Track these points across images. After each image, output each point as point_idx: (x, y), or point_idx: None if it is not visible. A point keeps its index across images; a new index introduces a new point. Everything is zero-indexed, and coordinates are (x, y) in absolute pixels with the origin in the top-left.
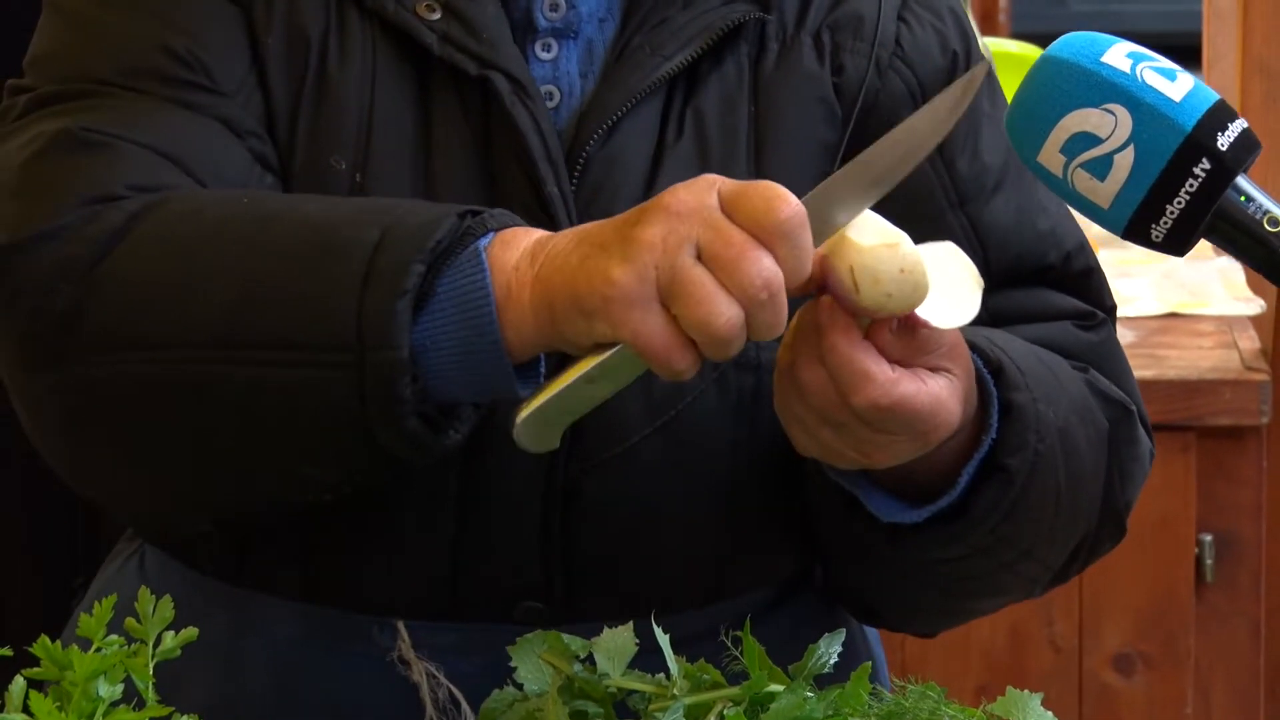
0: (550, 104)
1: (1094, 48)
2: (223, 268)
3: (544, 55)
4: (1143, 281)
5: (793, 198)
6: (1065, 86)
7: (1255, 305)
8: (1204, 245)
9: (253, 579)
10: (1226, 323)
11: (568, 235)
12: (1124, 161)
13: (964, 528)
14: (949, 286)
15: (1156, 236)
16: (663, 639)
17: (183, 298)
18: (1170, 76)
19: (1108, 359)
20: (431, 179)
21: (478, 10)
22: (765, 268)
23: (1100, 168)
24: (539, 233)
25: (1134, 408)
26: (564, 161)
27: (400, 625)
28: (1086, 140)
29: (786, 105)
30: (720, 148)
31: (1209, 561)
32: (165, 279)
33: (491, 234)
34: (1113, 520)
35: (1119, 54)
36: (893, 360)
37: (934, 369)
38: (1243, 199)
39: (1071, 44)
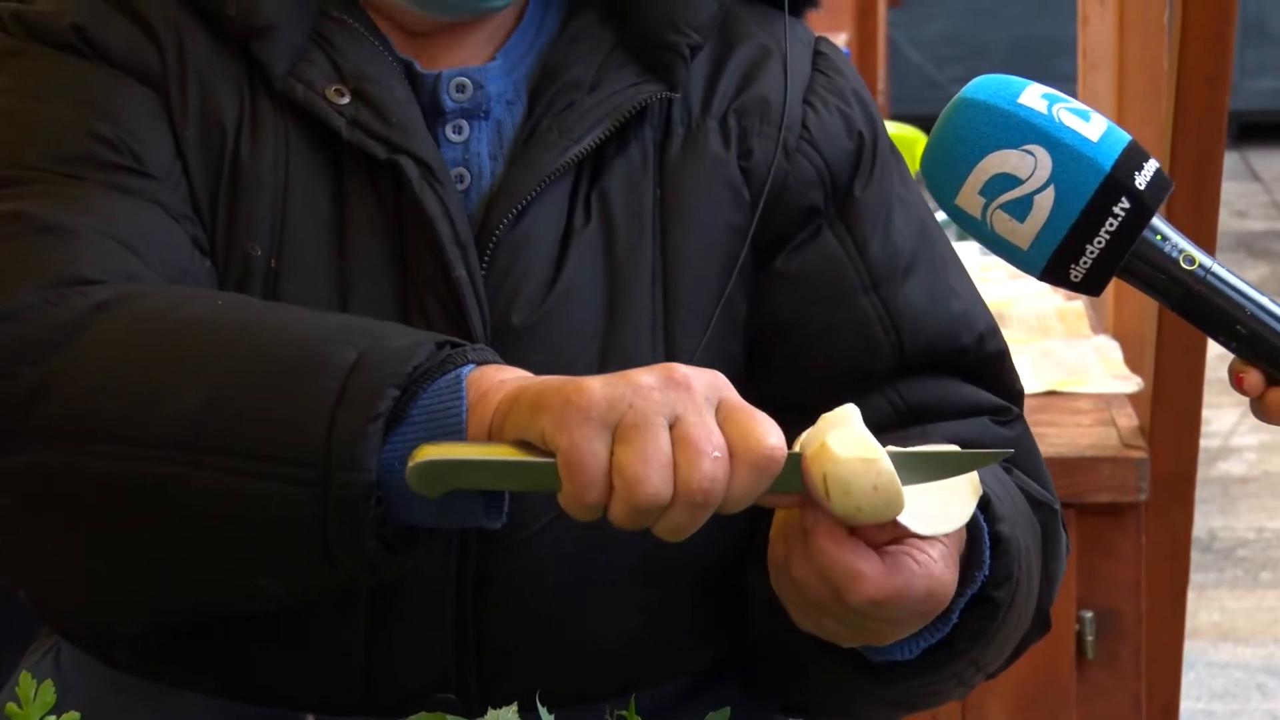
0: (461, 186)
1: (1009, 89)
2: (194, 370)
3: (455, 137)
4: (1022, 360)
5: (782, 442)
6: (984, 128)
7: (1133, 383)
8: (1081, 323)
9: (169, 674)
10: (1105, 400)
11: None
12: (1044, 202)
13: (947, 658)
14: (939, 491)
15: (1075, 276)
16: None
17: (150, 395)
18: (1085, 117)
19: (1026, 454)
20: (345, 264)
21: (386, 94)
22: (718, 478)
23: (1020, 209)
24: (522, 371)
25: (1057, 507)
26: (474, 244)
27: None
28: (1006, 181)
29: (693, 189)
30: (626, 232)
31: (1090, 638)
32: (133, 374)
33: (471, 365)
34: (1041, 619)
35: (1034, 95)
36: (881, 545)
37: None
38: (1159, 238)
39: (986, 86)
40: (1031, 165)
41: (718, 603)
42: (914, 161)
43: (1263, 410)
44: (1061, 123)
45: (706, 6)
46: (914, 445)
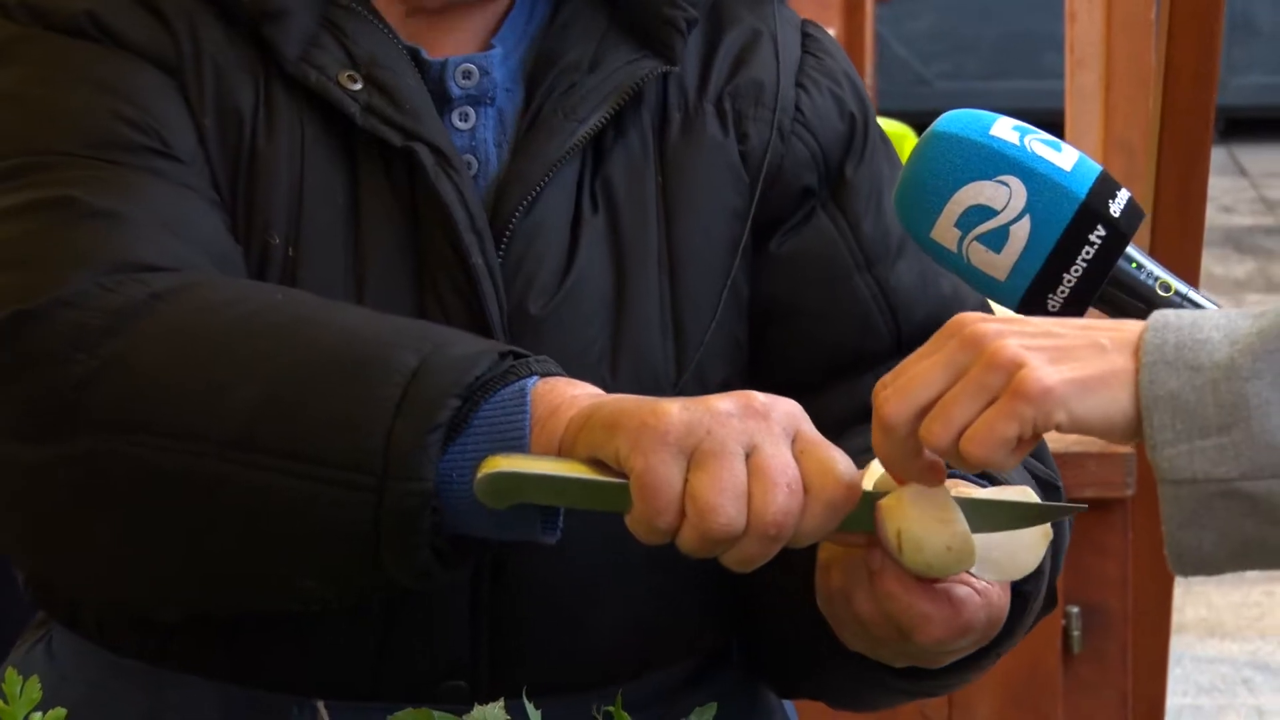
0: (470, 173)
1: (980, 122)
2: (251, 367)
3: (461, 125)
4: None
5: (858, 478)
6: (957, 161)
7: None
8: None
9: (175, 660)
10: None
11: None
12: (1020, 232)
13: (979, 655)
14: (1009, 537)
15: (1053, 306)
16: (534, 715)
17: (207, 390)
18: (1056, 148)
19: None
20: (361, 252)
21: (399, 81)
22: (792, 511)
23: (996, 239)
24: (592, 387)
25: (1059, 484)
26: (490, 232)
27: (320, 705)
28: (981, 213)
29: (694, 174)
30: (631, 219)
31: (1076, 633)
32: (190, 367)
33: (535, 378)
34: (1049, 595)
35: (1005, 127)
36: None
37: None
38: (1134, 266)
39: (957, 119)
40: (1006, 196)
41: (727, 587)
42: (902, 157)
43: None
44: (1034, 153)
45: None
46: (987, 487)
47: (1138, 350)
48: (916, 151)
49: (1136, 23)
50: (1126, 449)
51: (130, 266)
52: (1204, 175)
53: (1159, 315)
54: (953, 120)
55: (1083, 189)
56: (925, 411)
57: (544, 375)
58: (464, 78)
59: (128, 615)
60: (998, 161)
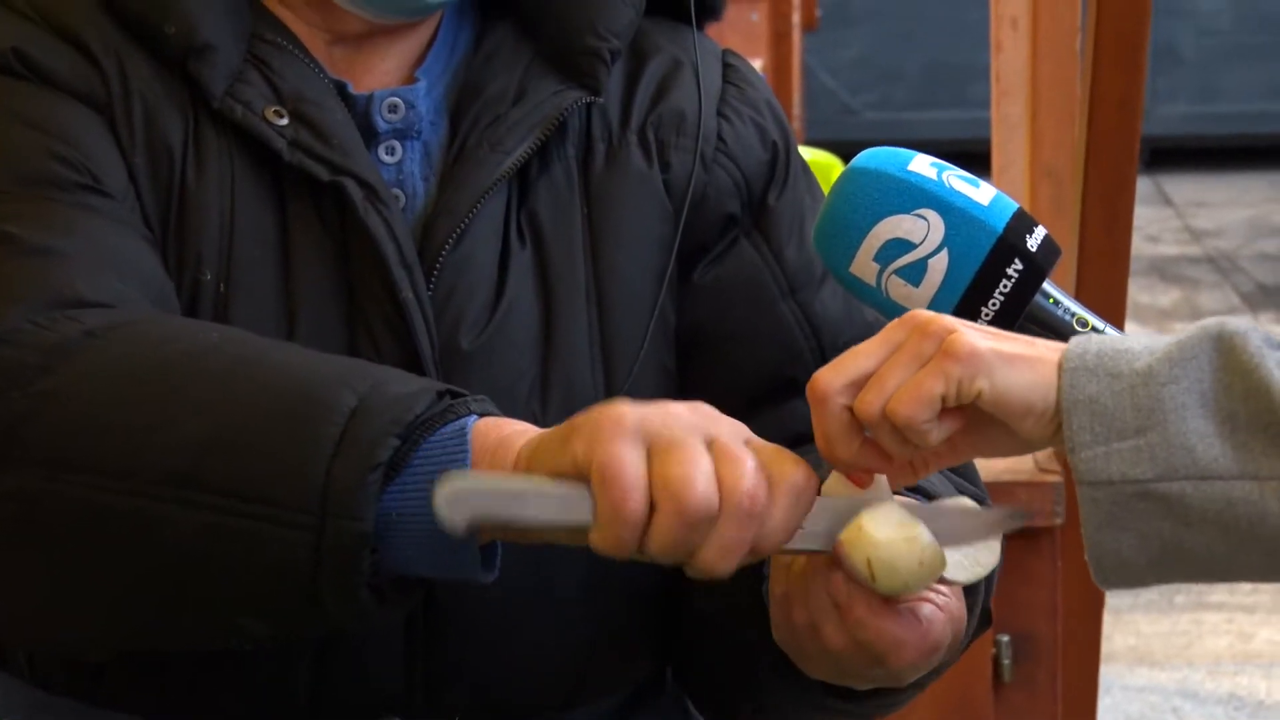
0: (398, 207)
1: (898, 158)
2: (190, 406)
3: (388, 158)
4: None
5: (814, 474)
6: (876, 195)
7: None
8: None
9: (106, 696)
10: None
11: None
12: (938, 265)
13: (921, 678)
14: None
15: None
16: None
17: (144, 428)
18: (974, 184)
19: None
20: (291, 288)
21: (325, 115)
22: (762, 487)
23: (914, 273)
24: (530, 426)
25: (989, 504)
26: (419, 265)
27: None
28: (900, 246)
29: (619, 204)
30: (558, 251)
31: (1006, 662)
32: (126, 405)
33: (474, 417)
34: (985, 613)
35: (923, 163)
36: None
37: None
38: (1051, 301)
39: (876, 156)
40: (925, 229)
41: (660, 616)
42: (827, 187)
43: None
44: (952, 188)
45: (624, 13)
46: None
47: (1062, 359)
48: (835, 188)
49: (1061, 52)
50: (1055, 477)
51: (65, 303)
52: (1130, 204)
53: (1082, 331)
54: (871, 156)
55: (1000, 223)
56: (860, 384)
57: (482, 415)
58: (390, 111)
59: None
60: (916, 195)
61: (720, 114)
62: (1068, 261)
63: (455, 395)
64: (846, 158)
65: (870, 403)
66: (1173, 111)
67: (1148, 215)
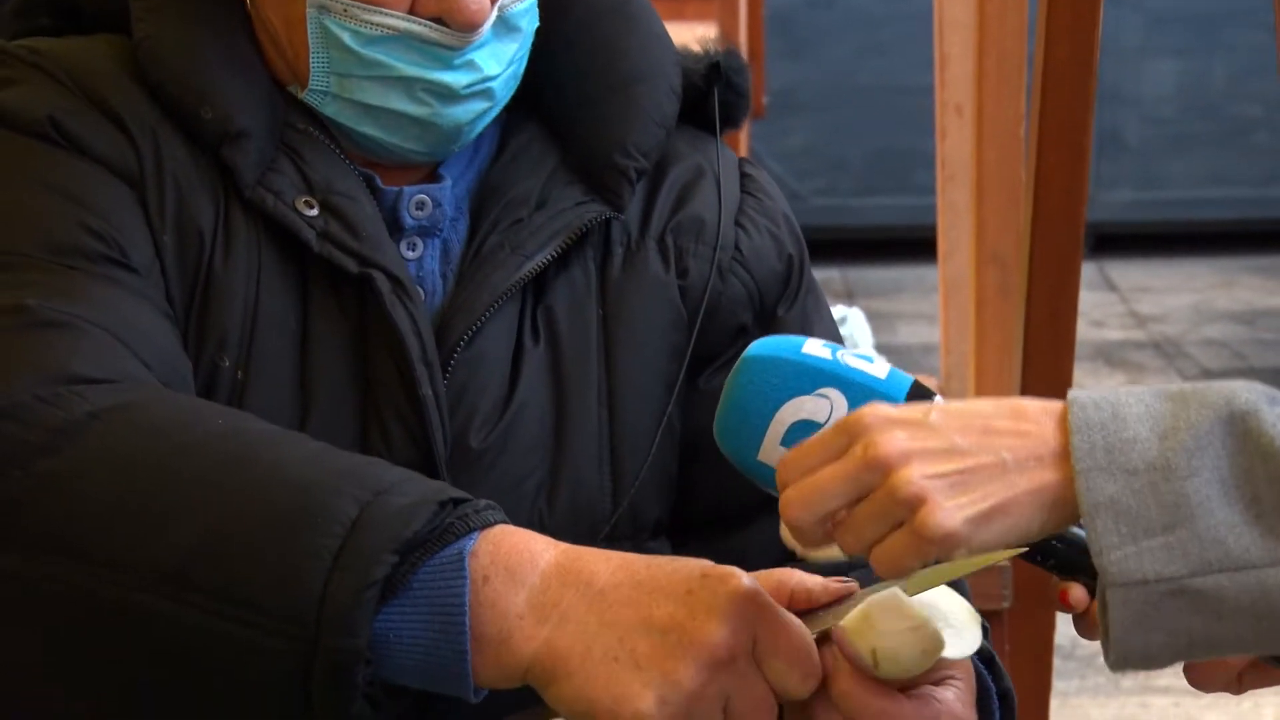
0: (422, 302)
1: (792, 343)
2: (190, 501)
3: (409, 254)
4: None
5: (817, 664)
6: (775, 380)
7: None
8: None
9: None
10: None
11: (585, 594)
12: None
13: None
14: (951, 620)
15: None
16: None
17: (143, 520)
18: (869, 360)
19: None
20: (308, 378)
21: (356, 208)
22: None
23: None
24: (537, 551)
25: (987, 625)
26: (439, 363)
27: None
28: (805, 428)
29: (635, 308)
30: (573, 351)
31: None
32: (127, 495)
33: (476, 534)
34: (1006, 698)
35: (816, 345)
36: (903, 688)
37: (941, 680)
38: None
39: (768, 343)
40: (828, 408)
41: None
42: None
43: (1089, 625)
44: (849, 365)
45: (654, 132)
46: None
47: (1063, 458)
48: (732, 379)
49: (1006, 138)
50: (1003, 563)
51: (72, 379)
52: (1075, 288)
53: (1078, 411)
54: (763, 344)
55: (900, 394)
56: (829, 518)
57: (484, 527)
58: (417, 208)
59: None
60: (814, 376)
61: (738, 224)
62: (1013, 346)
63: (459, 502)
64: None
65: (850, 546)
66: (1117, 197)
67: (1093, 300)
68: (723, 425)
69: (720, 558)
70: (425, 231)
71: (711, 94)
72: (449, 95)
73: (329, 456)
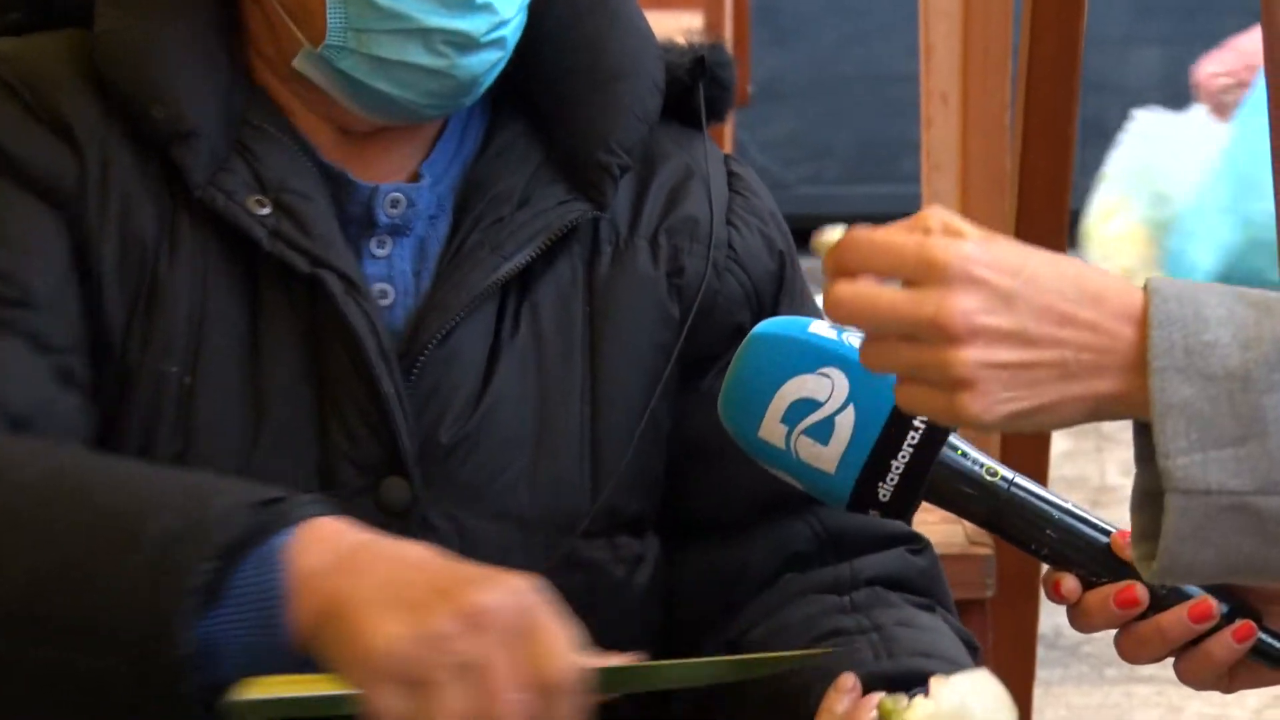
0: (385, 301)
1: (798, 322)
2: (26, 540)
3: (378, 251)
4: None
5: (574, 663)
6: (778, 358)
7: None
8: None
9: None
10: None
11: (387, 560)
12: (846, 421)
13: None
14: (986, 713)
15: (884, 495)
16: None
17: None
18: None
19: (938, 581)
20: (260, 381)
21: (309, 207)
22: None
23: (823, 431)
24: (349, 536)
25: (976, 644)
26: (398, 359)
27: None
28: (806, 406)
29: (621, 306)
30: (556, 346)
31: None
32: None
33: (293, 528)
34: None
35: (822, 325)
36: None
37: None
38: (959, 453)
39: (775, 322)
40: (829, 387)
41: None
42: None
43: (1081, 615)
44: (853, 346)
45: (636, 128)
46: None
47: (1131, 364)
48: (738, 355)
49: (992, 128)
50: (986, 550)
51: None
52: None
53: (1159, 304)
54: (771, 323)
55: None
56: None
57: (303, 520)
58: (391, 206)
59: None
60: (818, 354)
61: (730, 222)
62: None
63: (278, 501)
64: None
65: (872, 363)
66: None
67: None
68: (726, 400)
69: (720, 564)
70: (397, 230)
71: (696, 88)
72: (467, 45)
73: (158, 478)
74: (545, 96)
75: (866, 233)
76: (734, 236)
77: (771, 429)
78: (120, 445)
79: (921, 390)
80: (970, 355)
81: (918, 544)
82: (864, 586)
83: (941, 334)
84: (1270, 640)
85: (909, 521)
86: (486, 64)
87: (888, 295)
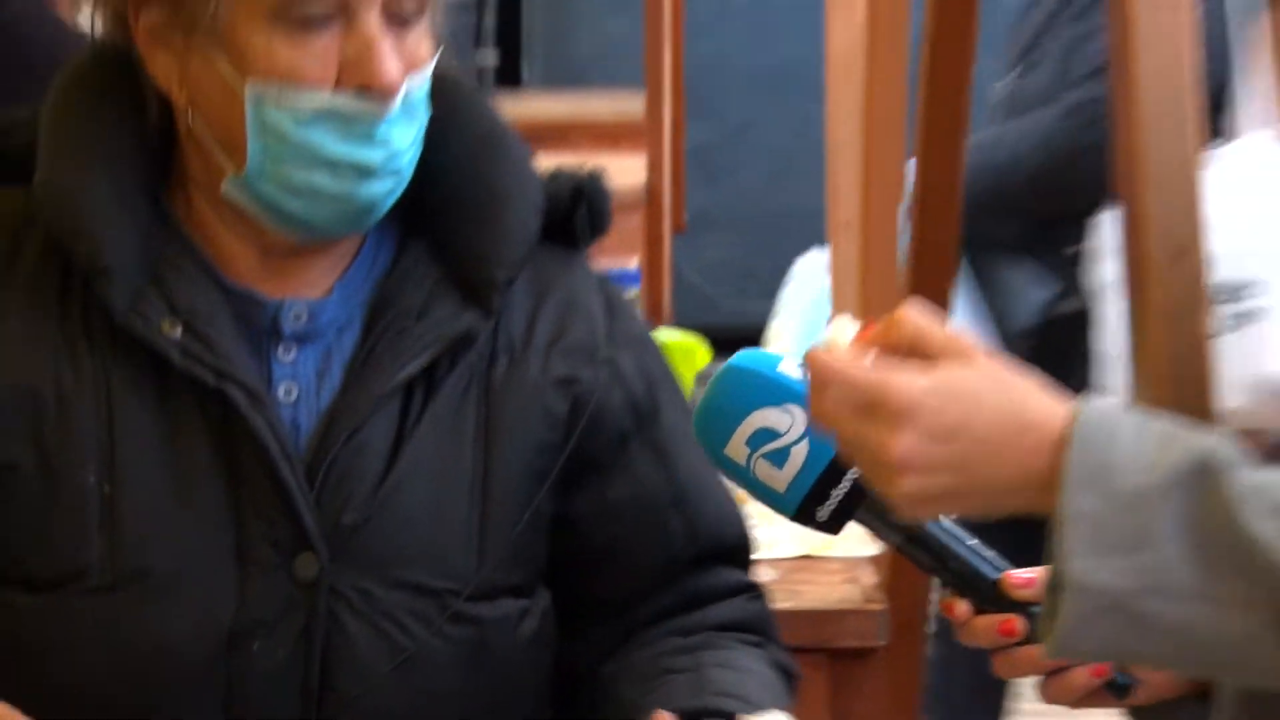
0: (289, 399)
1: (770, 360)
2: None
3: (285, 357)
4: (782, 529)
5: None
6: (749, 390)
7: (874, 547)
8: None
9: None
10: (851, 562)
11: None
12: (799, 452)
13: None
14: None
15: (821, 516)
16: None
17: None
18: None
19: (767, 621)
20: (179, 483)
21: (214, 328)
22: None
23: (779, 458)
24: None
25: (794, 671)
26: (304, 457)
27: None
28: (768, 435)
29: (512, 409)
30: (452, 438)
31: None
32: None
33: None
34: None
35: (790, 364)
36: None
37: None
38: None
39: (751, 357)
40: (789, 422)
41: None
42: (694, 365)
43: (968, 634)
44: None
45: (519, 247)
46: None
47: (1047, 485)
48: (716, 381)
49: (886, 249)
50: (879, 605)
51: None
52: None
53: (1079, 427)
54: (746, 357)
55: None
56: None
57: None
58: (295, 319)
59: None
60: (783, 392)
61: (612, 340)
62: None
63: None
64: (708, 341)
65: (823, 427)
66: None
67: None
68: (701, 418)
69: (608, 631)
70: (303, 338)
71: (576, 212)
72: (367, 172)
73: None
74: (442, 221)
75: (831, 361)
76: (616, 354)
77: (736, 449)
78: (49, 550)
79: (862, 465)
80: (907, 483)
81: (755, 592)
82: (706, 631)
83: (884, 461)
84: (1120, 677)
85: (836, 534)
86: (384, 190)
87: (846, 419)
